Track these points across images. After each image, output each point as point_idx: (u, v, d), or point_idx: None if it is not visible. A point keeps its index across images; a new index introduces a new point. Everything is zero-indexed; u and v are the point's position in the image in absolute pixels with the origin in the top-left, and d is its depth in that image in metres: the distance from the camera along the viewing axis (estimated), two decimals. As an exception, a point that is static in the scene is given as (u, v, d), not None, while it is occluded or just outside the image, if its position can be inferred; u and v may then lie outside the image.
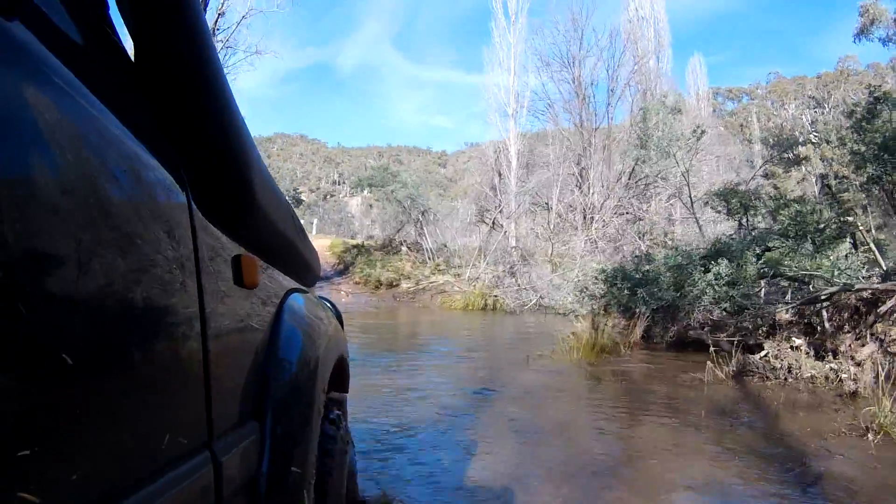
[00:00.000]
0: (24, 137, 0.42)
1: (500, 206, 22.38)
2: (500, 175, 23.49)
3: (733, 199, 8.86)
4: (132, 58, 0.69)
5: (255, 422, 0.93)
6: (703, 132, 15.07)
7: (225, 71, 0.78)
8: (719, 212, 9.72)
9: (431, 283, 18.53)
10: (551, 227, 21.97)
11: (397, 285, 19.15)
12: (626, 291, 8.07)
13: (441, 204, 24.21)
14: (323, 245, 23.69)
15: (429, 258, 21.67)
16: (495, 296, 16.86)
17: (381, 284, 19.38)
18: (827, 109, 37.95)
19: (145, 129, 0.66)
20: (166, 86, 0.70)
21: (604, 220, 20.34)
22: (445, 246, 22.89)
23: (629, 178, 20.80)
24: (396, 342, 9.51)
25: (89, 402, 0.49)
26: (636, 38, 23.61)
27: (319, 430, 1.16)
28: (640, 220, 20.16)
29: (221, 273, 0.83)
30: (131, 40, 0.68)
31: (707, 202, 11.20)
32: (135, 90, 0.69)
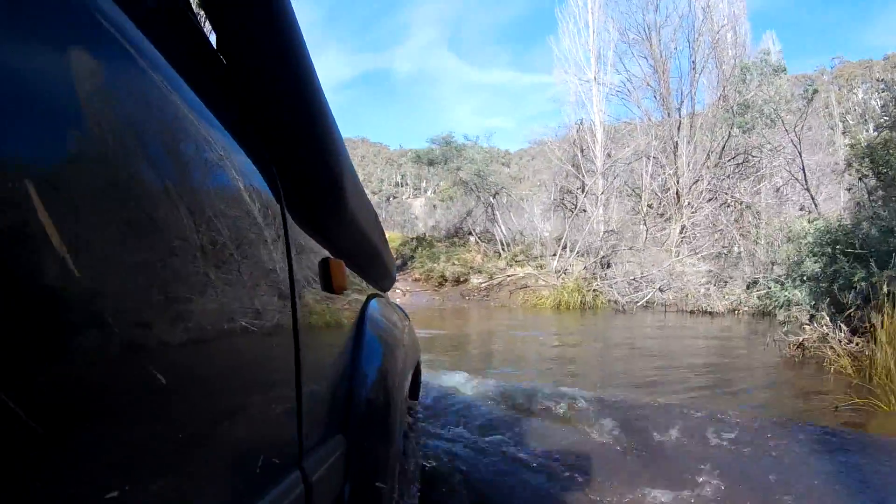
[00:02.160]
0: (120, 134, 0.40)
1: (584, 186, 18.36)
2: (581, 151, 19.36)
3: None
4: (222, 57, 0.66)
5: (341, 435, 0.88)
6: (815, 91, 13.24)
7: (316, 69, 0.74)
8: (862, 178, 6.77)
9: (509, 276, 14.78)
10: (644, 211, 17.73)
11: (465, 280, 15.54)
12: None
13: (512, 194, 20.46)
14: None
15: (502, 249, 17.95)
16: (594, 290, 12.91)
17: (445, 280, 15.86)
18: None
19: (240, 130, 0.64)
20: (259, 84, 0.68)
21: (692, 206, 16.58)
22: (522, 234, 19.09)
23: (720, 157, 16.91)
24: (481, 373, 4.54)
25: (182, 423, 0.45)
26: (711, 8, 18.93)
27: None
28: (729, 205, 16.48)
29: (312, 278, 0.81)
30: (219, 38, 0.66)
31: (850, 164, 7.57)
32: (227, 89, 0.67)
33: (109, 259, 0.37)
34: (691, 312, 11.49)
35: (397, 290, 15.13)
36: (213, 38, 0.68)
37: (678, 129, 18.08)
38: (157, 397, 0.40)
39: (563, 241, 15.98)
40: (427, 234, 21.65)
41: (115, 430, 0.37)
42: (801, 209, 13.64)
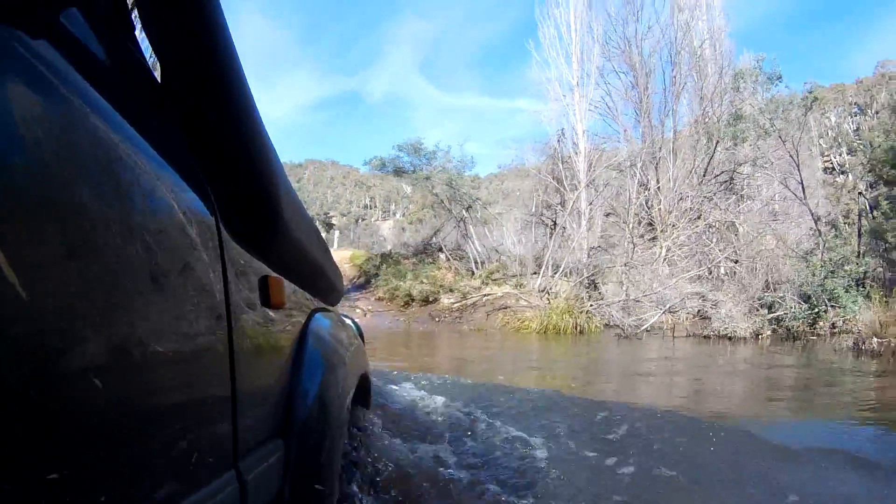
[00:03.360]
0: (50, 157, 0.41)
1: (564, 202, 16.72)
2: (563, 163, 17.71)
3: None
4: (158, 78, 0.68)
5: (281, 440, 0.90)
6: (815, 98, 13.15)
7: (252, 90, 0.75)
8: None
9: (485, 296, 12.86)
10: (631, 227, 16.18)
11: (435, 300, 13.56)
12: None
13: (487, 208, 18.64)
14: (343, 257, 20.13)
15: (476, 266, 16.07)
16: (585, 311, 11.07)
17: (412, 300, 13.84)
18: (871, 114, 35.13)
19: (173, 149, 0.64)
20: (194, 106, 0.69)
21: (676, 226, 15.33)
22: (497, 251, 17.25)
23: (704, 174, 15.75)
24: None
25: (118, 422, 0.47)
26: (690, 25, 17.93)
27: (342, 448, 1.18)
28: (712, 225, 15.17)
29: (249, 293, 0.83)
30: (157, 60, 0.67)
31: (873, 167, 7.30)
32: (162, 110, 0.69)
33: (50, 273, 0.39)
34: (705, 337, 9.72)
35: (357, 310, 13.07)
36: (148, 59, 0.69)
37: (660, 148, 16.78)
38: (94, 400, 0.43)
39: (545, 258, 14.17)
40: (393, 251, 19.62)
41: (53, 429, 0.39)
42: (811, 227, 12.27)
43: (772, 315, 10.01)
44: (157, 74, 0.67)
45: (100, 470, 0.44)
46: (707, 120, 16.42)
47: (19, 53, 0.39)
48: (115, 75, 0.59)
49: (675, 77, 17.76)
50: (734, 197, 15.87)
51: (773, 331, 9.90)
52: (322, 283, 1.45)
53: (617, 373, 6.12)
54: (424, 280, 14.31)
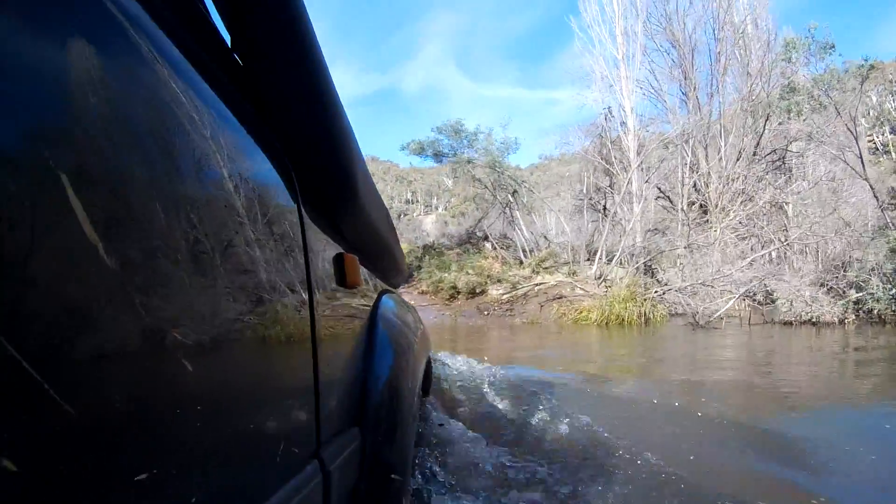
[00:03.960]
0: (139, 135, 0.41)
1: (613, 184, 15.50)
2: (611, 143, 16.45)
3: None
4: (238, 58, 0.68)
5: (357, 428, 0.89)
6: (871, 67, 12.19)
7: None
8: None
9: (537, 286, 11.87)
10: (685, 208, 14.84)
11: (483, 292, 12.67)
12: None
13: (534, 191, 17.51)
14: None
15: (524, 255, 15.09)
16: (649, 299, 9.98)
17: (457, 292, 12.99)
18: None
19: (257, 131, 0.65)
20: (275, 86, 0.69)
21: (728, 209, 14.19)
22: (546, 238, 16.21)
23: (754, 154, 14.82)
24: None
25: (203, 412, 0.45)
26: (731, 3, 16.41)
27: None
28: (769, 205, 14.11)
29: (327, 273, 0.82)
30: (234, 39, 0.67)
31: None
32: (243, 90, 0.67)
33: (137, 256, 0.38)
34: (786, 323, 8.52)
35: (400, 306, 12.32)
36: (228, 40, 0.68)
37: (708, 127, 15.44)
38: (182, 390, 0.42)
39: (600, 244, 13.08)
40: (436, 242, 18.84)
41: (144, 421, 0.38)
42: None
43: (856, 297, 8.71)
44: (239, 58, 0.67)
45: (190, 465, 0.43)
46: (754, 97, 15.28)
47: (105, 18, 0.38)
48: (200, 52, 0.57)
49: (719, 53, 16.39)
50: (783, 177, 14.77)
51: (857, 314, 8.63)
52: (391, 264, 1.43)
53: (754, 370, 5.09)
54: (470, 271, 13.44)
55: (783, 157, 15.04)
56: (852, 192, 12.95)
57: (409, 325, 1.35)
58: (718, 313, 8.95)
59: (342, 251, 0.90)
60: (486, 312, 11.53)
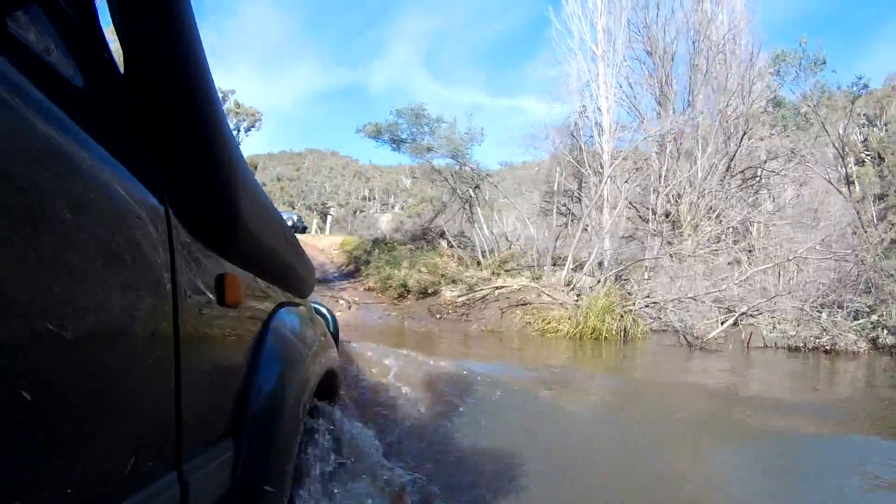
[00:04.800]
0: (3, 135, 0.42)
1: (582, 186, 14.29)
2: (583, 146, 15.23)
3: None
4: (119, 67, 0.68)
5: (231, 439, 0.87)
6: (865, 86, 12.57)
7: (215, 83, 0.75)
8: None
9: (498, 289, 10.39)
10: (659, 218, 13.86)
11: (436, 293, 11.12)
12: None
13: (498, 186, 16.07)
14: (333, 242, 18.86)
15: (483, 256, 13.67)
16: (630, 311, 8.68)
17: (407, 291, 11.42)
18: (880, 126, 34.22)
19: (120, 137, 0.64)
20: (153, 96, 0.68)
21: (697, 227, 13.48)
22: (508, 239, 14.85)
23: (728, 168, 14.19)
24: None
25: (53, 424, 0.46)
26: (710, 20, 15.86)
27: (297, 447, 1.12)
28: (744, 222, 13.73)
29: (202, 290, 0.78)
30: (120, 48, 0.66)
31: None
32: (117, 99, 0.68)
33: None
34: (794, 349, 7.35)
35: (341, 301, 10.70)
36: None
37: (680, 142, 14.64)
38: (29, 396, 0.42)
39: (571, 248, 11.79)
40: (387, 236, 17.20)
41: None
42: None
43: (862, 322, 7.65)
44: (119, 64, 0.66)
45: (32, 477, 0.43)
46: (732, 112, 14.64)
47: None
48: (72, 64, 0.57)
49: (697, 65, 15.56)
50: (754, 196, 14.46)
51: (874, 342, 7.56)
52: (290, 277, 1.38)
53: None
54: (423, 269, 11.87)
55: (756, 175, 14.34)
56: (831, 212, 12.35)
57: (306, 337, 1.35)
58: (714, 332, 7.70)
59: (225, 270, 0.87)
60: (438, 316, 9.99)
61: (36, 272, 0.43)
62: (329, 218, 37.54)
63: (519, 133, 23.87)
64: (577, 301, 9.04)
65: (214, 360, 0.85)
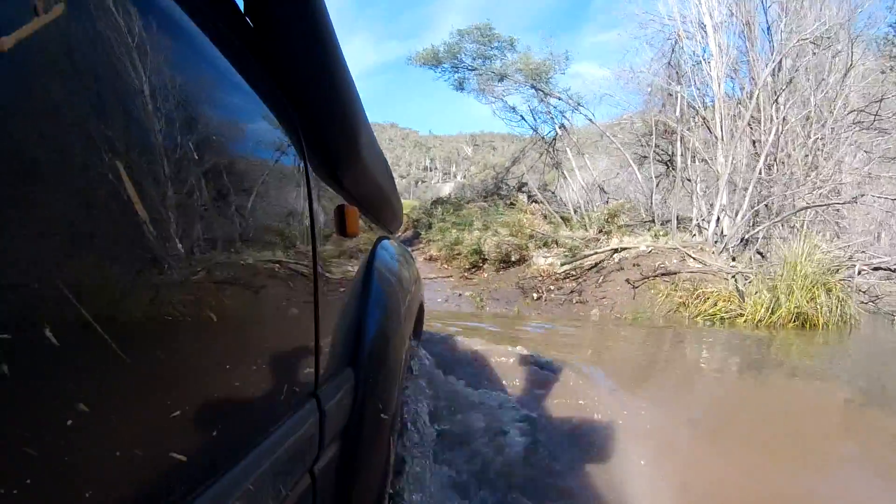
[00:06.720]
0: (144, 91, 0.41)
1: (684, 117, 10.60)
2: (678, 75, 11.35)
3: None
4: (249, 19, 0.69)
5: (350, 369, 0.91)
6: None
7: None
8: None
9: (618, 251, 7.18)
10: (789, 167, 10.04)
11: (521, 260, 8.07)
12: None
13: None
14: None
15: (576, 211, 10.51)
16: (844, 280, 5.36)
17: (482, 260, 8.47)
18: None
19: (264, 86, 0.67)
20: (283, 43, 0.71)
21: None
22: (604, 191, 11.60)
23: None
24: None
25: (210, 353, 0.47)
26: None
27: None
28: None
29: (329, 223, 0.85)
30: (247, 5, 0.69)
31: None
32: (252, 47, 0.69)
33: (151, 202, 0.39)
34: None
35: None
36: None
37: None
38: (185, 332, 0.43)
39: (718, 199, 8.45)
40: (452, 195, 14.30)
41: (144, 360, 0.38)
42: None
43: None
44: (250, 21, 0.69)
45: (197, 407, 0.44)
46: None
47: None
48: (214, 17, 0.59)
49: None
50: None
51: None
52: (388, 212, 1.46)
53: None
54: (501, 230, 8.86)
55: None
56: None
57: (404, 271, 1.38)
58: None
59: (343, 203, 0.93)
60: (535, 294, 6.91)
61: (193, 213, 0.44)
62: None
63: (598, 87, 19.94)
64: (757, 271, 5.80)
65: (339, 289, 0.87)
